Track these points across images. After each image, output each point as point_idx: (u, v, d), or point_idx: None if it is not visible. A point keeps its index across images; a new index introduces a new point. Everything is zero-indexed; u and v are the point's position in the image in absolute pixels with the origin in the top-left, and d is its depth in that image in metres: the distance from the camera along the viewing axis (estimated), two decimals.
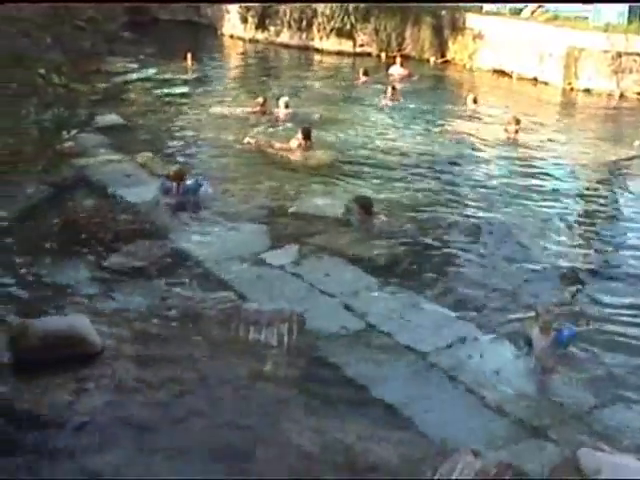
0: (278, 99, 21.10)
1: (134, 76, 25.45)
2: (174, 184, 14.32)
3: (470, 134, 19.49)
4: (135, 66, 26.64)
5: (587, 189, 16.26)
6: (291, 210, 14.24)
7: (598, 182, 16.60)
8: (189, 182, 14.42)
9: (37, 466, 7.32)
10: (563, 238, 13.47)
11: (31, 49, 6.55)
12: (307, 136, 17.52)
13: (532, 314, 9.91)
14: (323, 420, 8.05)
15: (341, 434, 7.75)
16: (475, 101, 22.06)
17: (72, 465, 7.35)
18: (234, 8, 33.05)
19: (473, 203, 14.99)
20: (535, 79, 24.91)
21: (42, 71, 7.03)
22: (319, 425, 7.95)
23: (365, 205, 13.59)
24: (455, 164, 17.34)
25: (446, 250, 12.79)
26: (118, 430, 7.83)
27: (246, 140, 17.95)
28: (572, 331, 9.62)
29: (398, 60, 26.75)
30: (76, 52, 7.01)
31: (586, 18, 24.91)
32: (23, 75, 6.72)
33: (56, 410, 8.07)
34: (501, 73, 25.93)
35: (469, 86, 25.05)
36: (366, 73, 25.50)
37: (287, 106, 20.68)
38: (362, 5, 29.27)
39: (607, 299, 11.16)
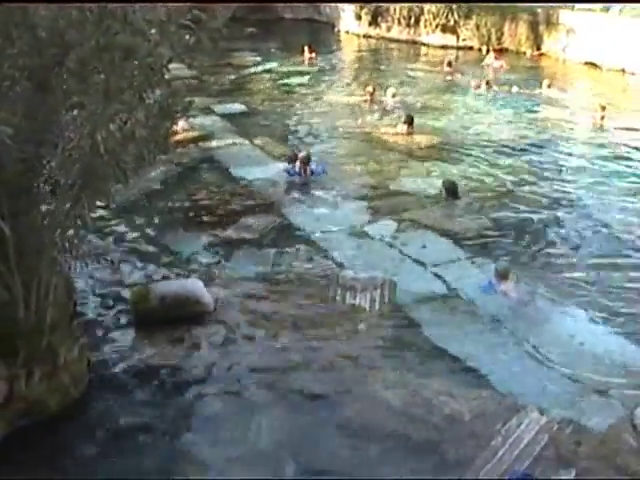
0: (386, 89, 21.07)
1: (259, 68, 25.74)
2: (300, 166, 14.47)
3: (559, 119, 19.12)
4: (259, 59, 27.00)
5: None
6: (391, 188, 14.27)
7: None
8: (314, 166, 14.56)
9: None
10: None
11: (141, 46, 6.64)
12: (410, 122, 17.56)
13: None
14: (406, 375, 8.11)
15: (422, 389, 7.80)
16: (549, 86, 21.88)
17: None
18: (349, 7, 32.99)
19: (557, 183, 14.77)
20: (623, 70, 24.21)
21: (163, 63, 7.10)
22: (402, 380, 8.02)
23: (450, 189, 13.57)
24: (543, 147, 17.05)
25: (529, 227, 12.60)
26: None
27: (359, 121, 18.09)
28: None
29: (492, 53, 26.46)
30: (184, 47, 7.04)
31: None
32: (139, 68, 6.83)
33: (176, 361, 8.34)
34: (591, 65, 25.27)
35: (560, 76, 24.51)
36: (450, 64, 25.36)
37: (394, 95, 20.68)
38: (465, 4, 28.90)
39: None
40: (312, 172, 14.45)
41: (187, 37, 7.05)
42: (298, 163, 14.48)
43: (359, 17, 32.59)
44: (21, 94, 6.87)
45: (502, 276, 10.12)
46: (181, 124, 15.06)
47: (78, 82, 6.79)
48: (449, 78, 23.97)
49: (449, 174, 14.81)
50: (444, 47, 29.30)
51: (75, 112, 7.22)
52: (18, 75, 6.79)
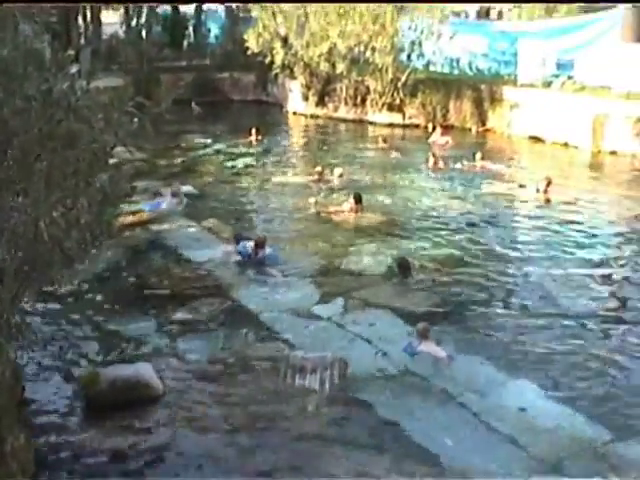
0: (333, 168, 21.39)
1: (208, 150, 26.01)
2: (253, 249, 14.58)
3: (506, 194, 19.53)
4: (209, 141, 27.24)
5: (613, 243, 16.17)
6: (341, 267, 14.43)
7: (623, 235, 16.49)
8: (268, 250, 14.66)
9: None
10: (591, 288, 13.39)
11: (84, 131, 6.79)
12: (358, 200, 17.78)
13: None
14: (356, 453, 8.17)
15: (373, 466, 7.86)
16: (482, 158, 22.50)
17: None
18: (297, 87, 33.59)
19: (506, 258, 15.06)
20: (566, 144, 24.86)
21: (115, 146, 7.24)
22: (354, 458, 8.07)
23: (403, 265, 13.79)
24: (490, 222, 17.36)
25: (479, 302, 12.80)
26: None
27: (311, 200, 18.44)
28: None
29: (438, 129, 27.02)
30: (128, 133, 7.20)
31: (610, 88, 24.86)
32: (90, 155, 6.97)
33: (126, 446, 8.32)
34: (536, 139, 25.94)
35: (506, 151, 25.17)
36: (385, 140, 26.07)
37: (341, 175, 21.01)
38: (410, 82, 29.59)
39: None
40: (264, 258, 14.49)
41: (131, 123, 7.21)
42: (250, 244, 14.58)
43: (306, 97, 33.19)
44: None
45: (422, 335, 10.36)
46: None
47: (21, 169, 6.89)
48: (393, 155, 24.34)
49: (399, 251, 14.99)
50: (391, 125, 29.89)
51: (19, 198, 7.28)
52: None
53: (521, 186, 20.00)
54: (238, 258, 14.61)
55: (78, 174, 7.05)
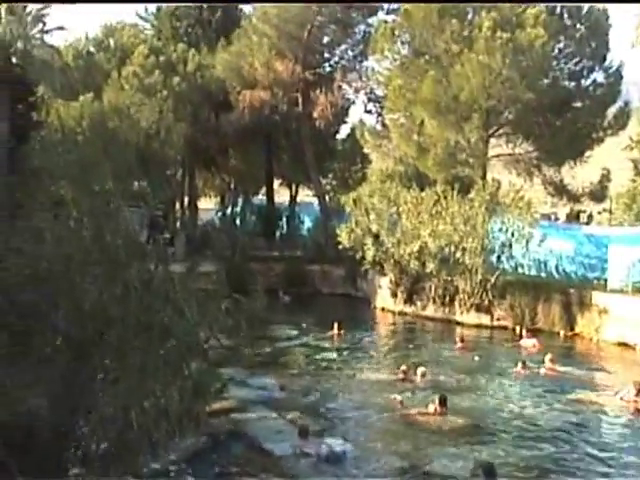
0: (417, 368, 21.37)
1: (293, 342, 26.38)
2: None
3: (595, 402, 19.11)
4: (295, 333, 27.64)
5: None
6: (421, 470, 14.23)
7: None
8: (339, 447, 14.65)
9: None
10: None
11: (180, 325, 7.10)
12: (443, 403, 17.65)
13: None
14: None
15: None
16: (552, 361, 22.20)
17: None
18: (386, 284, 34.08)
19: (593, 470, 14.62)
20: None
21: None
22: None
23: (488, 471, 13.52)
24: (578, 431, 16.96)
25: None
26: None
27: (397, 398, 18.29)
28: None
29: (525, 333, 26.88)
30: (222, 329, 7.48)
31: None
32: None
33: None
34: (625, 346, 25.59)
35: (594, 357, 24.83)
36: (462, 340, 26.04)
37: (424, 374, 20.95)
38: (500, 283, 29.79)
39: None
40: (328, 456, 14.42)
41: (226, 318, 7.51)
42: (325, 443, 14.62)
43: (395, 294, 33.64)
44: (61, 362, 7.24)
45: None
46: None
47: (116, 357, 7.20)
48: (477, 358, 24.18)
49: (483, 456, 14.74)
50: (478, 326, 29.90)
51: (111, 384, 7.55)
52: (60, 343, 7.20)
53: (615, 393, 19.56)
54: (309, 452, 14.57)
55: (170, 365, 7.32)
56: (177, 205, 48.35)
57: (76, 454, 7.45)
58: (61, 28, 38.00)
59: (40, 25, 35.82)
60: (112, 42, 47.75)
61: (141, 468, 8.02)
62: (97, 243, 7.66)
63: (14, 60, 31.92)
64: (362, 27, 42.67)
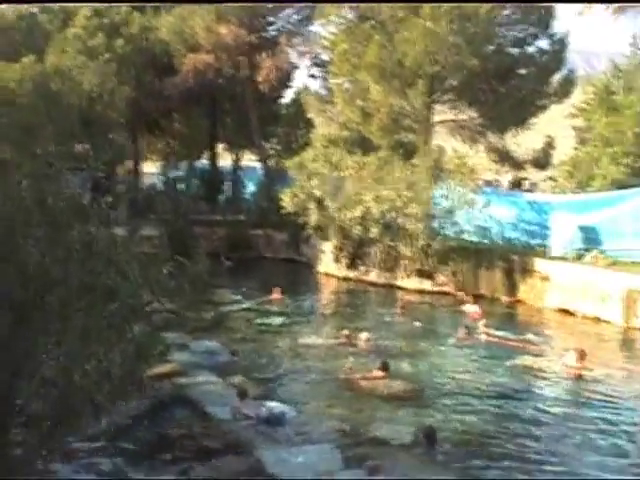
0: (360, 332, 21.49)
1: (236, 307, 26.26)
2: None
3: (536, 368, 19.39)
4: (238, 297, 27.60)
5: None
6: (364, 435, 14.36)
7: None
8: (277, 409, 14.70)
9: None
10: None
11: (123, 287, 7.04)
12: (385, 368, 17.81)
13: None
14: None
15: None
16: (486, 326, 22.72)
17: None
18: (329, 249, 34.17)
19: (533, 433, 14.89)
20: (597, 318, 24.87)
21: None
22: None
23: (429, 435, 13.71)
24: (519, 397, 17.23)
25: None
26: None
27: (345, 365, 18.38)
28: None
29: (470, 299, 27.16)
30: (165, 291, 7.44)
31: None
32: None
33: None
34: (566, 312, 26.00)
35: (536, 323, 25.17)
36: (403, 307, 26.72)
37: (367, 340, 21.06)
38: (442, 249, 30.07)
39: None
40: (267, 418, 14.46)
41: (169, 280, 7.48)
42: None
43: (338, 259, 33.71)
44: (2, 324, 7.15)
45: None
46: None
47: (59, 320, 7.13)
48: (418, 324, 24.35)
49: (425, 421, 14.91)
50: (420, 292, 30.14)
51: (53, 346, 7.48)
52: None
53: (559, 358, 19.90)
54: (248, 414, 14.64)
55: (113, 327, 7.28)
56: (120, 168, 47.81)
57: (18, 417, 7.39)
58: None
59: None
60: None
61: (84, 431, 7.97)
62: (39, 205, 7.55)
63: None
64: None
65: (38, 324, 7.20)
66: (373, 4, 33.11)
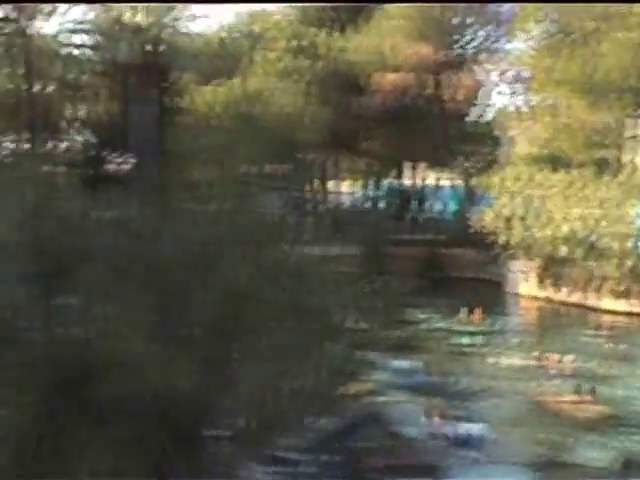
0: (563, 356, 20.91)
1: (429, 325, 26.23)
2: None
3: None
4: (430, 316, 27.43)
5: None
6: (562, 460, 13.92)
7: None
8: (476, 431, 14.58)
9: None
10: None
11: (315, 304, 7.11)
12: (589, 392, 17.38)
13: None
14: None
15: None
16: None
17: None
18: (525, 268, 33.45)
19: None
20: None
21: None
22: None
23: (625, 464, 13.17)
24: None
25: None
26: None
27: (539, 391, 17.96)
28: None
29: None
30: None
31: None
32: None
33: None
34: None
35: None
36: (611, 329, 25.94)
37: (569, 362, 20.51)
38: None
39: None
40: (464, 439, 14.30)
41: (364, 299, 7.47)
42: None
43: (536, 280, 32.88)
44: (202, 341, 7.34)
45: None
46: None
47: (256, 337, 7.26)
48: (624, 346, 23.36)
49: (626, 449, 14.31)
50: (629, 314, 28.76)
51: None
52: (202, 323, 7.29)
53: None
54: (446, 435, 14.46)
55: (306, 346, 7.33)
56: (315, 188, 48.59)
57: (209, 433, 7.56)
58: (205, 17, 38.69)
59: (186, 13, 36.82)
60: (255, 28, 48.19)
61: (274, 447, 8.10)
62: (237, 225, 7.73)
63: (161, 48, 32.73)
64: (493, 7, 41.91)
65: (236, 341, 7.35)
66: (571, 18, 32.35)
